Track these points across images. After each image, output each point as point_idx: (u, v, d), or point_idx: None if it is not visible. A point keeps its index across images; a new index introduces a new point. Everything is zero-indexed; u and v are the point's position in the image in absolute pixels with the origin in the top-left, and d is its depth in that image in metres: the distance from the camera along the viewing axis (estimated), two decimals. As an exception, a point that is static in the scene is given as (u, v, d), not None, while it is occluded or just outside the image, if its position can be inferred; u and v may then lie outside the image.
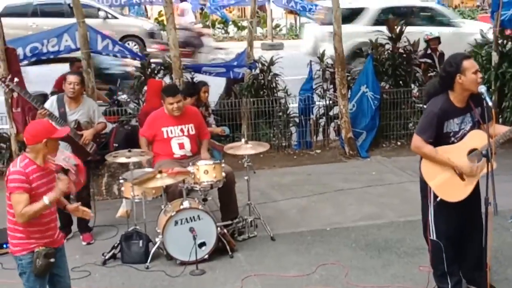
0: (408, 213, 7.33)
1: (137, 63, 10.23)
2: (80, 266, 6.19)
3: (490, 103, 4.72)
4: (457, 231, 5.16)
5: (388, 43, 10.60)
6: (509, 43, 10.22)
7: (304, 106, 10.20)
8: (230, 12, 28.13)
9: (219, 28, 25.89)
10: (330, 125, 10.56)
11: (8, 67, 8.39)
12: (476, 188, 4.98)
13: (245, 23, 23.74)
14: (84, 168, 4.47)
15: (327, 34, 10.48)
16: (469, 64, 4.83)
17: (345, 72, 9.92)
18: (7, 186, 4.27)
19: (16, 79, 7.66)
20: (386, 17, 13.37)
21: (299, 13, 23.09)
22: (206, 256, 6.24)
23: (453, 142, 4.96)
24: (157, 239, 6.32)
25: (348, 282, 5.76)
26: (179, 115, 7.00)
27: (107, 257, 6.36)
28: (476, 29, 12.74)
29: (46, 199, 4.24)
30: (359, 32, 14.06)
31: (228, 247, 6.38)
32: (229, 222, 6.77)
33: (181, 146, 7.03)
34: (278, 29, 26.42)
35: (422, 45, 11.27)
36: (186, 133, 7.05)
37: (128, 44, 18.06)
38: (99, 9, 18.96)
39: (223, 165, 6.65)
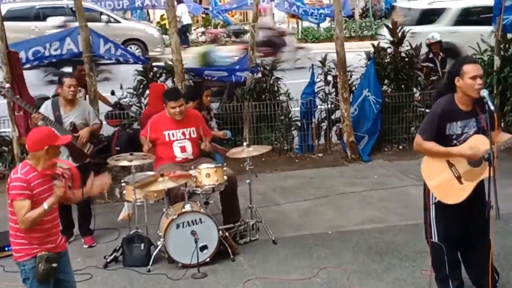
0: (410, 217, 7.32)
1: None
2: (82, 269, 6.19)
3: (492, 107, 4.71)
4: (459, 234, 5.15)
5: (390, 47, 10.60)
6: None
7: (306, 109, 10.20)
8: (232, 16, 28.15)
9: (221, 32, 25.89)
10: (332, 129, 10.55)
11: (11, 70, 8.42)
12: (480, 192, 4.95)
13: (246, 27, 23.77)
14: (77, 172, 4.46)
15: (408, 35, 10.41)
16: (469, 69, 4.83)
17: (347, 75, 9.92)
18: (9, 193, 4.28)
19: (7, 85, 7.72)
20: (467, 17, 13.15)
21: (301, 17, 23.14)
22: (208, 260, 6.24)
23: (455, 145, 4.96)
24: (158, 242, 6.32)
25: (350, 286, 5.76)
26: (181, 118, 7.01)
27: (108, 260, 6.37)
28: None
29: (45, 204, 4.25)
30: (440, 33, 13.73)
31: (229, 251, 6.38)
32: (231, 225, 6.77)
33: (183, 149, 7.03)
34: (280, 33, 26.42)
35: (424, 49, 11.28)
36: (188, 136, 7.05)
37: (130, 48, 18.09)
38: (101, 13, 18.99)
39: (225, 168, 6.66)
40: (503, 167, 5.09)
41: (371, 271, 6.05)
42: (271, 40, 16.53)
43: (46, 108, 6.84)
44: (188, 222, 6.21)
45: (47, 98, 8.93)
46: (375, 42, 10.93)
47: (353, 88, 10.35)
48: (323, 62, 10.53)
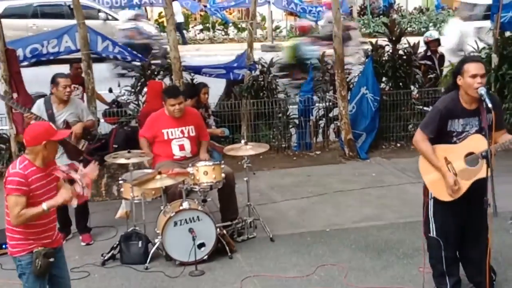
0: (408, 215, 7.34)
1: None
2: (80, 267, 6.19)
3: (490, 105, 4.71)
4: (457, 230, 5.16)
5: (388, 45, 10.60)
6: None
7: (304, 107, 10.21)
8: (230, 13, 28.15)
9: (219, 29, 25.91)
10: (329, 127, 10.57)
11: (8, 68, 8.41)
12: (480, 189, 4.92)
13: (244, 25, 23.77)
14: (91, 183, 4.45)
15: (473, 30, 10.27)
16: (469, 67, 4.83)
17: (345, 73, 9.92)
18: (5, 187, 4.27)
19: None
20: None
21: (299, 15, 23.10)
22: (206, 257, 6.24)
23: (454, 142, 4.96)
24: (156, 240, 6.32)
25: (348, 283, 5.76)
26: (180, 116, 7.00)
27: (106, 258, 6.36)
28: None
29: (44, 206, 4.23)
30: None
31: (227, 248, 6.38)
32: (229, 223, 6.76)
33: (181, 147, 7.03)
34: (278, 30, 26.45)
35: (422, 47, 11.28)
36: (186, 135, 7.05)
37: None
38: (99, 11, 18.99)
39: (222, 166, 6.65)
40: (501, 165, 5.08)
41: (369, 269, 6.05)
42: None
43: (38, 107, 6.81)
44: (185, 219, 6.20)
45: (44, 95, 8.94)
46: (373, 40, 10.92)
47: (351, 86, 10.36)
48: (320, 60, 10.53)
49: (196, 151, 7.11)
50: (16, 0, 19.44)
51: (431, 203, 5.14)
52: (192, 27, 26.69)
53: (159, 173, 6.24)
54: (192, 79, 9.96)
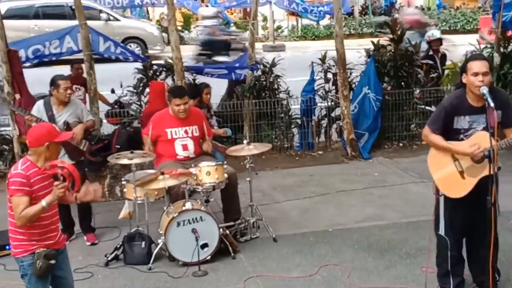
0: (411, 214, 7.35)
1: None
2: (83, 268, 6.20)
3: (492, 104, 4.70)
4: (465, 228, 5.16)
5: (390, 45, 10.60)
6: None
7: (306, 107, 10.21)
8: (232, 14, 28.17)
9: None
10: (332, 127, 10.57)
11: (11, 69, 8.43)
12: (487, 189, 4.91)
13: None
14: (78, 174, 4.45)
15: None
16: (472, 65, 4.84)
17: (347, 73, 9.92)
18: (8, 188, 4.28)
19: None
20: None
21: (300, 15, 23.14)
22: (209, 257, 6.25)
23: (462, 140, 4.97)
24: (159, 240, 6.32)
25: (351, 283, 5.76)
26: (185, 116, 6.99)
27: (109, 258, 6.37)
28: None
29: (43, 202, 4.24)
30: None
31: (230, 248, 6.38)
32: (232, 223, 6.77)
33: (185, 147, 7.02)
34: (279, 30, 26.45)
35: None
36: (190, 135, 7.04)
37: (130, 46, 18.09)
38: (101, 11, 19.00)
39: (225, 166, 6.65)
40: (505, 164, 5.07)
41: (372, 269, 6.05)
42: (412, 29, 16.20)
43: (38, 109, 6.80)
44: (188, 220, 6.21)
45: (46, 96, 8.96)
46: (375, 40, 10.92)
47: (353, 85, 10.36)
48: (322, 59, 10.53)
49: (199, 152, 7.10)
50: (18, 1, 19.47)
51: (441, 200, 5.15)
52: (194, 27, 26.68)
53: (162, 173, 6.25)
54: (194, 79, 9.96)
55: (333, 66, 10.29)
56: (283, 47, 22.62)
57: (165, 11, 23.59)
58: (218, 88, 10.08)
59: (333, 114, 10.49)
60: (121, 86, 9.84)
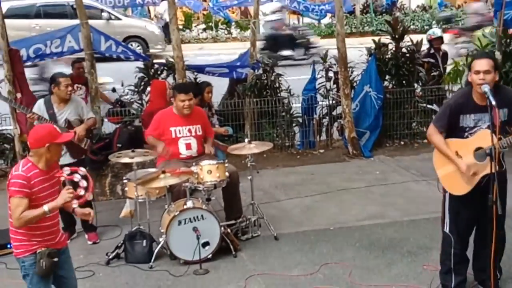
0: (412, 213, 7.35)
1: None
2: (84, 266, 6.20)
3: (493, 102, 4.70)
4: (469, 227, 5.17)
5: (391, 43, 10.59)
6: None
7: (307, 106, 10.21)
8: (233, 12, 28.16)
9: (222, 28, 25.92)
10: (333, 125, 10.57)
11: (12, 68, 8.43)
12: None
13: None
14: (93, 186, 4.46)
15: None
16: (474, 64, 4.86)
17: (348, 71, 9.92)
18: (9, 189, 4.28)
19: (4, 87, 7.78)
20: None
21: (302, 14, 23.12)
22: (210, 256, 6.25)
23: (467, 137, 4.97)
24: (160, 239, 6.32)
25: (352, 281, 5.76)
26: (187, 115, 6.98)
27: (111, 257, 6.38)
28: None
29: (46, 207, 4.23)
30: None
31: (231, 247, 6.38)
32: (233, 221, 6.76)
33: (188, 146, 7.01)
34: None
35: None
36: (193, 134, 7.02)
37: (131, 45, 18.10)
38: (102, 10, 19.00)
39: (226, 165, 6.65)
40: (509, 163, 5.06)
41: (373, 267, 6.05)
42: (482, 26, 16.11)
43: (39, 108, 6.81)
44: (190, 218, 6.21)
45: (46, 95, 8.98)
46: (376, 38, 10.91)
47: (354, 84, 10.36)
48: (324, 58, 10.53)
49: (202, 151, 7.09)
50: (19, 0, 19.47)
51: (447, 197, 5.15)
52: (195, 26, 26.71)
53: (163, 172, 6.25)
54: (195, 78, 9.96)
55: (335, 64, 10.29)
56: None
57: (160, 10, 23.78)
58: (219, 87, 10.07)
59: (334, 113, 10.49)
60: (122, 85, 9.85)
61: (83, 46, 8.95)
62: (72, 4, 14.75)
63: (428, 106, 10.32)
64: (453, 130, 5.01)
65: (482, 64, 4.82)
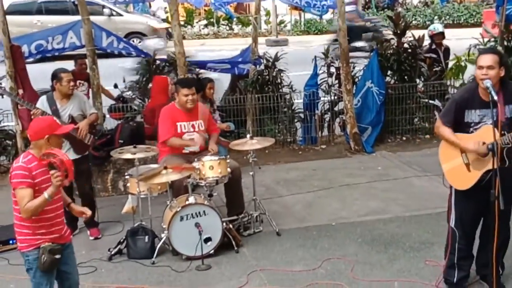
0: (414, 208, 7.35)
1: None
2: (86, 262, 6.20)
3: (495, 97, 4.69)
4: (474, 222, 5.17)
5: (393, 38, 10.58)
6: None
7: (309, 101, 10.20)
8: (235, 9, 28.10)
9: (223, 24, 25.90)
10: (335, 121, 10.56)
11: (13, 64, 8.43)
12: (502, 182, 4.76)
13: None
14: (70, 161, 4.43)
15: None
16: (478, 59, 4.88)
17: (350, 67, 9.91)
18: (11, 182, 4.29)
19: (3, 84, 7.76)
20: None
21: (303, 9, 23.07)
22: (212, 251, 6.25)
23: (472, 133, 4.97)
24: (162, 235, 6.33)
25: (354, 276, 5.75)
26: (190, 111, 6.97)
27: (113, 253, 6.38)
28: None
29: (45, 194, 4.25)
30: None
31: (233, 242, 6.38)
32: (235, 217, 6.77)
33: (192, 142, 7.00)
34: (282, 25, 26.42)
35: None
36: (197, 129, 7.02)
37: (133, 41, 18.10)
38: (103, 7, 19.01)
39: (228, 160, 6.65)
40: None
41: (375, 262, 6.05)
42: None
43: (42, 104, 6.81)
44: (192, 214, 6.21)
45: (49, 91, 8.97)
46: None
47: (356, 79, 10.35)
48: (325, 53, 10.52)
49: (204, 146, 7.09)
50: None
51: (453, 192, 5.15)
52: (197, 22, 26.69)
53: (165, 168, 6.25)
54: (197, 74, 9.96)
55: (336, 60, 10.28)
56: (286, 42, 22.60)
57: (153, 7, 23.80)
58: (220, 83, 10.06)
59: (336, 108, 10.49)
60: (124, 81, 9.84)
61: (85, 42, 8.94)
62: (74, 0, 14.78)
63: (430, 101, 10.31)
64: (458, 125, 5.02)
65: (485, 59, 4.81)
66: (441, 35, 11.17)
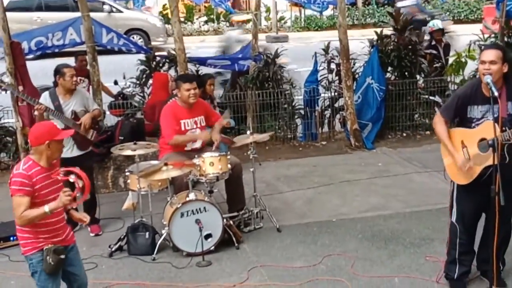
0: (414, 204, 7.35)
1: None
2: (87, 258, 6.19)
3: (496, 93, 4.69)
4: (475, 217, 5.18)
5: (393, 35, 10.57)
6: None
7: (309, 98, 10.19)
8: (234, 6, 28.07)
9: (223, 21, 25.87)
10: (335, 117, 10.56)
11: (13, 61, 8.42)
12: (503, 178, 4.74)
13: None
14: (89, 185, 4.44)
15: None
16: (482, 54, 4.89)
17: (350, 63, 9.90)
18: (10, 188, 4.28)
19: (7, 79, 7.74)
20: None
21: (303, 6, 23.04)
22: (213, 248, 6.26)
23: (474, 128, 4.97)
24: (163, 231, 6.33)
25: (354, 272, 5.76)
26: (192, 107, 6.94)
27: (113, 249, 6.39)
28: None
29: (46, 208, 4.22)
30: None
31: (234, 239, 6.39)
32: (235, 213, 6.77)
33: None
34: (282, 21, 26.38)
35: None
36: (199, 125, 6.99)
37: (133, 37, 18.08)
38: (103, 3, 19.01)
39: (229, 157, 6.64)
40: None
41: (376, 258, 6.06)
42: None
43: (45, 100, 6.80)
44: (192, 210, 6.21)
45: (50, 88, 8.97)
46: (378, 30, 10.89)
47: (357, 75, 10.35)
48: (326, 50, 10.51)
49: (205, 143, 7.08)
50: (21, -7, 19.47)
51: (455, 187, 5.16)
52: (197, 18, 26.66)
53: (165, 164, 6.25)
54: (197, 71, 9.95)
55: (337, 56, 10.27)
56: (286, 38, 22.58)
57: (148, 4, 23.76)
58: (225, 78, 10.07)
59: (336, 105, 10.48)
60: (124, 78, 9.84)
61: (85, 38, 8.93)
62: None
63: (431, 97, 10.30)
64: (461, 120, 5.03)
65: (488, 54, 4.81)
66: (440, 31, 11.16)
